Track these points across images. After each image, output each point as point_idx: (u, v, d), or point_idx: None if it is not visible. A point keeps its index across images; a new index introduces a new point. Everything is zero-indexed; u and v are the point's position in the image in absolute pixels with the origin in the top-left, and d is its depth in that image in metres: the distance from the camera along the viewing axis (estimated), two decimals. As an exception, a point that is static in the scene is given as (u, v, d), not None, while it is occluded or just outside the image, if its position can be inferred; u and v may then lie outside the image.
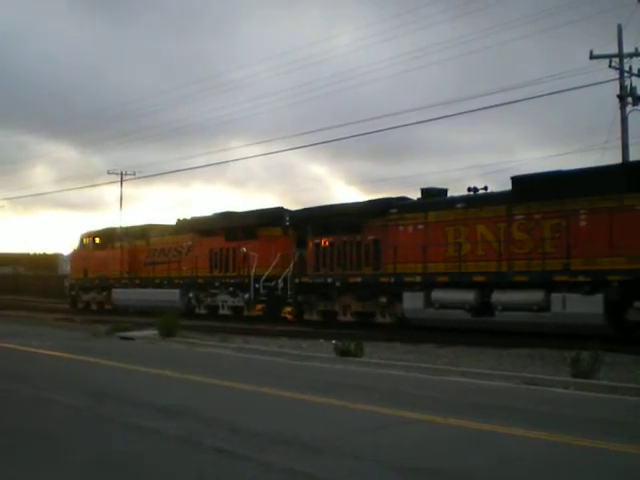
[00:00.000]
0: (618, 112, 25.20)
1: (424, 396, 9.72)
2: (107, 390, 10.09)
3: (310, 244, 23.66)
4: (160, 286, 29.95)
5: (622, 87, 25.11)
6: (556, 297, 16.89)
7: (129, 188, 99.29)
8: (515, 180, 18.39)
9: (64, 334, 21.22)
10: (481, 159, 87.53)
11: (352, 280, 21.91)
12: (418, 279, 19.96)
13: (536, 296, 17.25)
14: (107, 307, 33.85)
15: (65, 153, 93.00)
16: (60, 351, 15.74)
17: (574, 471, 5.83)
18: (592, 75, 24.98)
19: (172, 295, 29.04)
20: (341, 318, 22.90)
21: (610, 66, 24.92)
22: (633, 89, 25.23)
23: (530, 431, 7.03)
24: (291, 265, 24.00)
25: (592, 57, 25.22)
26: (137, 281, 31.51)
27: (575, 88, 20.15)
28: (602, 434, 6.92)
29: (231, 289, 26.62)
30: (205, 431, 7.10)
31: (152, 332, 19.86)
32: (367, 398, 9.21)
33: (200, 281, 28.00)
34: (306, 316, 24.11)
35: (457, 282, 19.03)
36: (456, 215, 19.43)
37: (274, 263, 24.70)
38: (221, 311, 27.32)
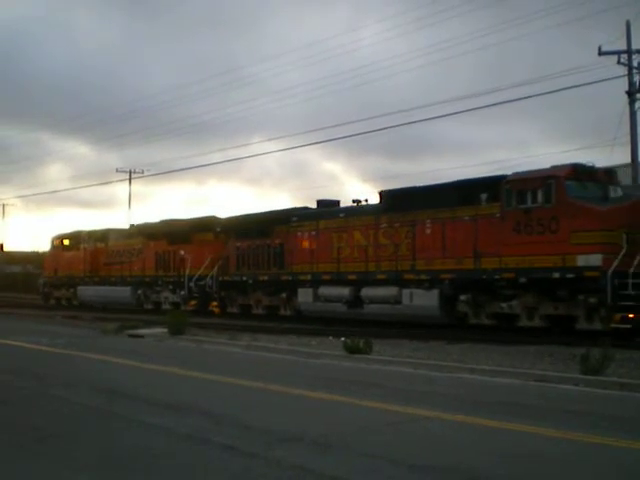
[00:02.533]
0: (627, 108, 25.41)
1: (433, 393, 9.77)
2: (117, 388, 10.12)
3: (233, 247, 27.26)
4: (115, 284, 33.64)
5: (631, 83, 25.24)
6: (406, 292, 20.42)
7: (143, 186, 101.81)
8: (382, 194, 21.92)
9: (73, 332, 21.46)
10: (497, 155, 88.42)
11: (261, 278, 25.53)
12: (309, 277, 23.53)
13: (392, 291, 20.77)
14: (75, 303, 37.48)
15: (80, 150, 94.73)
16: (70, 349, 15.83)
17: (584, 468, 5.86)
18: (604, 70, 25.61)
19: (125, 292, 32.75)
20: (254, 311, 26.50)
21: (619, 62, 25.09)
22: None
23: (539, 428, 7.08)
24: (216, 266, 27.58)
25: (601, 53, 25.16)
26: (97, 279, 35.20)
27: (584, 84, 21.19)
28: (612, 431, 6.96)
29: (171, 287, 30.30)
30: (214, 428, 7.19)
31: (161, 330, 20.08)
32: (376, 395, 9.31)
33: (147, 280, 31.69)
34: (229, 309, 27.72)
35: (337, 280, 22.58)
36: (339, 223, 22.96)
37: (205, 264, 28.23)
38: (164, 306, 30.97)
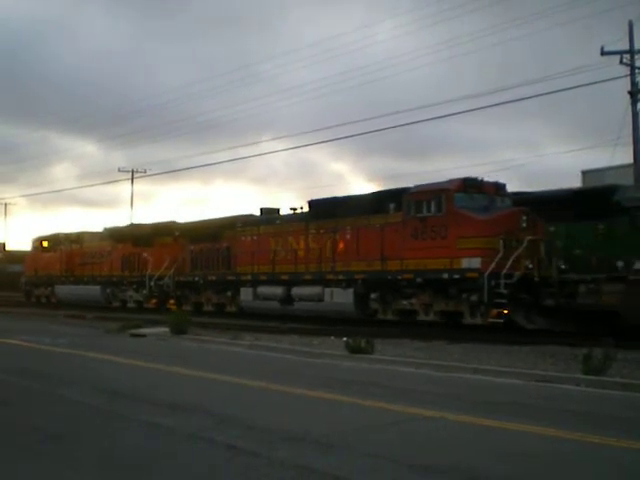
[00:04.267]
0: (629, 108, 25.41)
1: (435, 393, 9.81)
2: (119, 387, 10.16)
3: (188, 250, 29.76)
4: (88, 283, 36.16)
5: (633, 83, 25.32)
6: (327, 291, 22.88)
7: (149, 185, 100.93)
8: (310, 203, 24.43)
9: (75, 331, 21.74)
10: (505, 154, 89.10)
11: (210, 278, 28.03)
12: (249, 278, 26.01)
13: (316, 290, 23.23)
14: (53, 301, 40.02)
15: (87, 149, 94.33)
16: (72, 348, 15.93)
17: (585, 468, 5.88)
18: (610, 70, 25.18)
19: (95, 291, 35.29)
20: (205, 308, 29.00)
21: (621, 62, 25.17)
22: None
23: (541, 428, 7.11)
24: (173, 267, 30.08)
25: (603, 53, 25.27)
26: (72, 279, 37.72)
27: (585, 85, 21.51)
28: (613, 431, 7.00)
29: (135, 286, 32.81)
30: (217, 428, 7.21)
31: (163, 329, 20.28)
32: (378, 395, 9.35)
33: (114, 280, 34.24)
34: (184, 307, 30.14)
35: (272, 280, 25.04)
36: (275, 229, 25.44)
37: (165, 265, 30.72)
38: (129, 304, 33.53)
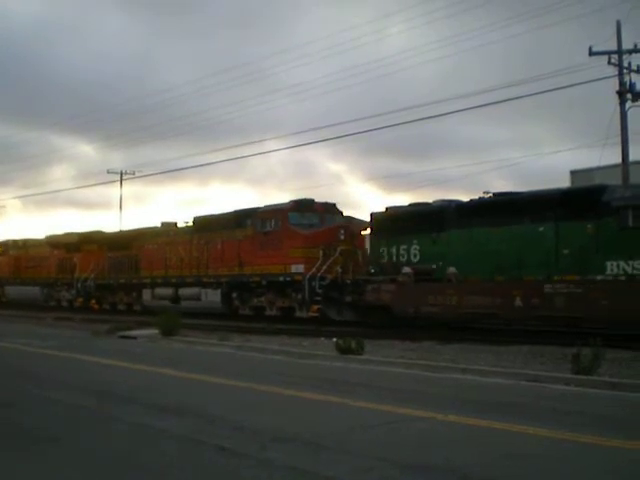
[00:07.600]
0: (617, 108, 25.48)
1: (425, 393, 9.86)
2: (110, 389, 10.19)
3: (107, 257, 34.66)
4: (30, 284, 41.00)
5: (621, 83, 25.36)
6: (203, 291, 27.83)
7: (144, 187, 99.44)
8: (194, 218, 29.36)
9: (65, 333, 22.27)
10: (501, 153, 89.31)
11: (121, 281, 32.96)
12: (148, 281, 30.93)
13: (196, 291, 28.18)
14: (3, 300, 44.79)
15: (85, 150, 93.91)
16: (62, 351, 16.05)
17: (575, 467, 5.91)
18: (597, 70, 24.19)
19: (36, 291, 40.14)
20: (118, 307, 33.92)
21: (609, 62, 25.20)
22: (632, 85, 25.41)
23: (531, 428, 7.13)
24: (95, 271, 34.97)
25: (591, 53, 25.22)
26: (19, 281, 42.56)
27: (574, 85, 21.50)
28: (603, 430, 7.01)
29: (66, 287, 37.69)
30: (207, 429, 7.25)
31: (152, 331, 20.47)
32: (368, 395, 9.39)
33: (50, 281, 39.11)
34: (104, 306, 35.10)
35: (165, 282, 29.96)
36: (170, 240, 30.37)
37: (90, 269, 35.62)
38: (63, 303, 38.42)
